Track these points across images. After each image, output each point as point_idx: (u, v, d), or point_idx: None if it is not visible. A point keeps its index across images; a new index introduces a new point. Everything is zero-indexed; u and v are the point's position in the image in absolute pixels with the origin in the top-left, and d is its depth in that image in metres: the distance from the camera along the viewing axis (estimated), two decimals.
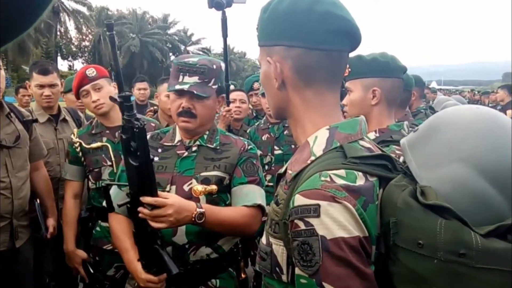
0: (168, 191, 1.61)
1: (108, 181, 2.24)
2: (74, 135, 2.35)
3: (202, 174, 1.65)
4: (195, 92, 1.58)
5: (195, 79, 1.60)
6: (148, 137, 1.77)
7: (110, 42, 1.49)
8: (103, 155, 2.28)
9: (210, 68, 1.63)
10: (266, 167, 3.04)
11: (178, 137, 1.74)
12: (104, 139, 2.31)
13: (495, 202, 0.72)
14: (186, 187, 1.63)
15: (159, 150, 1.72)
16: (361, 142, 0.87)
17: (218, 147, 1.71)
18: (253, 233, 1.73)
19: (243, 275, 1.81)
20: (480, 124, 0.78)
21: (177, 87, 1.60)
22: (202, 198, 1.62)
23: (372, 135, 1.64)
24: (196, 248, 1.64)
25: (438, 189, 0.74)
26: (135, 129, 1.35)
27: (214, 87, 1.65)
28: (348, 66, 1.63)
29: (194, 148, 1.70)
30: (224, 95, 1.78)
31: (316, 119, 0.89)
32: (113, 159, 2.27)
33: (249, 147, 1.75)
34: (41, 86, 2.80)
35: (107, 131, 2.33)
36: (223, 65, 1.72)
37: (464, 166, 0.74)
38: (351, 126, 0.89)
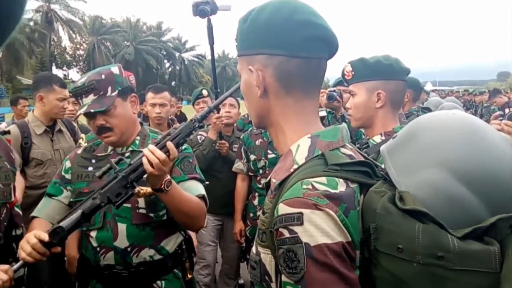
0: None
1: None
2: (83, 139, 2.43)
3: None
4: (92, 110, 1.63)
5: (90, 97, 1.65)
6: (80, 151, 1.82)
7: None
8: None
9: (99, 80, 1.66)
10: (261, 171, 3.05)
11: (111, 147, 1.77)
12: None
13: (472, 205, 0.73)
14: None
15: (93, 161, 1.75)
16: (342, 150, 0.88)
17: None
18: (200, 226, 1.74)
19: (189, 276, 1.81)
20: (456, 129, 0.79)
21: (80, 111, 1.68)
22: (141, 200, 1.65)
23: (378, 139, 1.64)
24: (138, 250, 1.66)
25: (416, 194, 0.75)
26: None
27: (113, 94, 1.67)
28: (351, 69, 1.63)
29: (127, 154, 1.73)
30: (135, 93, 1.77)
31: (296, 127, 0.91)
32: None
33: (182, 147, 1.76)
34: (63, 100, 2.91)
35: None
36: (114, 69, 1.73)
37: (441, 171, 0.76)
38: (332, 134, 0.90)
